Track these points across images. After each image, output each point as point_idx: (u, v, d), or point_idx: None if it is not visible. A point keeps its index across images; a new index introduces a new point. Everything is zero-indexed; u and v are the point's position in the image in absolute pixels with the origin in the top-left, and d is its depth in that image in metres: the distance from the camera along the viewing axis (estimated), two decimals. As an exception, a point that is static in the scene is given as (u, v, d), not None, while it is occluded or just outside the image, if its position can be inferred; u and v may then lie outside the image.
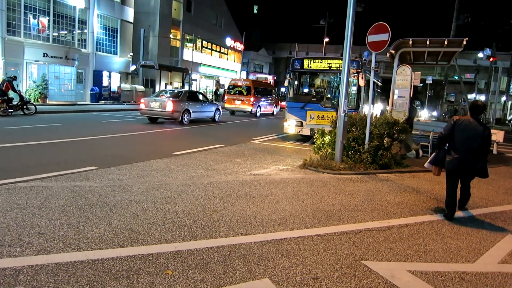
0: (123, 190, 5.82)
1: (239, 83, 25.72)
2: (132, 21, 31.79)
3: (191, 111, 16.78)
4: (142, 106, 16.27)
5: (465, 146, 5.41)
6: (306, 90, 14.81)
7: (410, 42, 10.57)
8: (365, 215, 5.45)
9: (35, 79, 23.20)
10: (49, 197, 5.24)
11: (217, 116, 19.15)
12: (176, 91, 17.92)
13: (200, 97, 18.87)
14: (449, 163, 5.59)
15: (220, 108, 20.02)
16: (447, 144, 5.74)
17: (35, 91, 22.26)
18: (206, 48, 43.85)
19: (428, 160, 5.99)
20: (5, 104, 15.52)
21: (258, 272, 3.48)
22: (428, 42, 10.55)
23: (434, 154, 5.96)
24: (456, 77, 38.47)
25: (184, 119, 16.34)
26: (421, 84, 24.40)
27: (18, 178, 6.05)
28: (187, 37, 39.55)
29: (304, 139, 13.87)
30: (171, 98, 16.05)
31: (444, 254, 4.21)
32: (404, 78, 10.81)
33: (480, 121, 5.51)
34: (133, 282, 3.16)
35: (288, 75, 13.13)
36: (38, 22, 23.96)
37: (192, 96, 17.82)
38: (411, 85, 10.86)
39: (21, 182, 5.87)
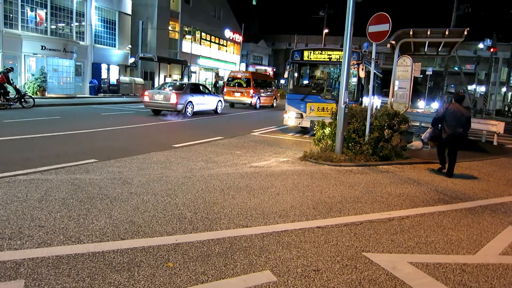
0: (123, 182, 5.80)
1: (239, 75, 25.60)
2: (130, 13, 31.53)
3: (194, 103, 16.98)
4: (146, 98, 16.40)
5: (455, 124, 7.74)
6: (306, 82, 14.74)
7: (411, 33, 10.51)
8: (365, 206, 5.44)
9: (33, 72, 23.07)
10: (49, 190, 5.22)
11: (219, 108, 19.42)
12: (179, 83, 18.05)
13: (203, 89, 19.10)
14: (445, 137, 7.91)
15: (222, 100, 20.32)
16: (439, 125, 8.07)
17: (34, 84, 22.15)
18: (205, 40, 43.60)
19: (423, 136, 8.20)
20: (1, 96, 15.43)
21: (259, 264, 3.48)
22: (429, 33, 10.50)
23: (429, 131, 8.44)
24: (457, 68, 38.37)
25: (187, 111, 16.53)
26: (421, 75, 24.29)
27: (18, 171, 6.04)
28: (186, 29, 39.30)
29: (304, 131, 13.85)
30: (174, 91, 16.24)
31: (445, 246, 4.21)
32: (404, 69, 10.76)
33: (463, 107, 7.92)
34: (134, 275, 3.16)
35: (288, 67, 13.05)
36: (35, 15, 23.76)
37: (195, 89, 18.04)
38: (411, 76, 10.81)
39: (21, 175, 5.86)
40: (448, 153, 7.95)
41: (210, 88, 26.58)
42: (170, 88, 16.94)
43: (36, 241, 3.66)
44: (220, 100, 19.65)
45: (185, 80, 32.49)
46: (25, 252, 3.43)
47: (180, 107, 16.10)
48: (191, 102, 16.72)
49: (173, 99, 15.78)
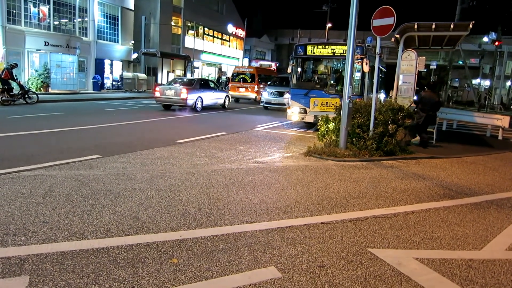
0: (127, 178, 5.80)
1: (243, 71, 25.61)
2: (133, 8, 31.45)
3: (203, 98, 17.46)
4: (158, 94, 16.88)
5: (428, 108, 10.15)
6: (309, 77, 14.67)
7: (416, 27, 10.41)
8: (370, 202, 5.41)
9: (37, 68, 23.08)
10: (53, 185, 5.22)
11: (226, 102, 20.02)
12: (189, 79, 18.60)
13: (212, 85, 19.64)
14: (422, 119, 10.19)
15: (229, 95, 21.12)
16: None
17: (37, 80, 22.17)
18: (208, 35, 43.48)
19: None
20: (5, 93, 15.46)
21: (264, 260, 3.46)
22: (433, 26, 10.40)
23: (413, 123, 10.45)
24: (461, 62, 38.05)
25: (197, 106, 17.09)
26: (425, 70, 24.11)
27: (22, 167, 6.04)
28: (189, 24, 39.19)
29: (308, 126, 13.80)
30: (185, 86, 16.71)
31: (450, 241, 4.18)
32: (409, 63, 10.67)
33: (434, 93, 10.79)
34: (139, 271, 3.15)
35: (291, 62, 12.99)
36: (38, 11, 23.76)
37: (205, 84, 18.58)
38: (416, 70, 10.73)
39: (25, 171, 5.86)
40: (423, 131, 10.33)
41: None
42: (180, 83, 17.27)
43: (41, 237, 3.66)
44: (227, 96, 20.25)
45: (188, 76, 32.49)
46: (30, 248, 3.43)
47: (190, 102, 16.57)
48: (200, 97, 17.21)
49: (184, 94, 16.26)
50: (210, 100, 18.22)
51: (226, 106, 19.77)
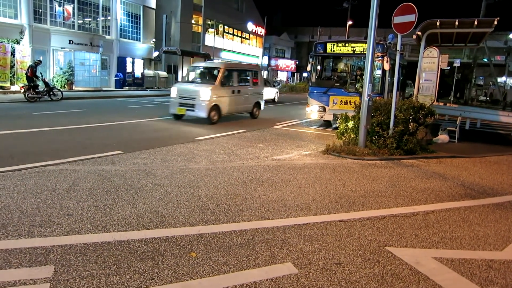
0: (147, 174, 5.92)
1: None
2: (154, 7, 31.87)
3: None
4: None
5: None
6: (329, 75, 14.58)
7: (438, 23, 10.23)
8: (389, 201, 5.37)
9: (61, 66, 23.70)
10: (77, 180, 5.38)
11: (276, 97, 24.55)
12: None
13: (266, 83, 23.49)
14: None
15: (278, 91, 25.88)
16: None
17: (62, 77, 22.76)
18: (228, 33, 43.64)
19: None
20: (31, 90, 15.91)
21: (281, 256, 3.50)
22: (456, 23, 10.20)
23: None
24: (486, 60, 37.05)
25: None
26: (448, 67, 23.60)
27: (47, 161, 6.24)
28: (209, 23, 39.42)
29: (327, 124, 13.73)
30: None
31: (471, 242, 4.12)
32: (431, 61, 10.50)
33: None
34: (158, 263, 3.23)
35: (310, 60, 12.94)
36: (63, 10, 24.34)
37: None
38: (438, 68, 10.54)
39: (50, 165, 6.05)
40: None
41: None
42: None
43: (65, 229, 3.79)
44: (277, 91, 24.74)
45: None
46: (55, 239, 3.56)
47: None
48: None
49: None
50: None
51: (275, 100, 24.20)
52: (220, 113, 12.25)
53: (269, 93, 23.13)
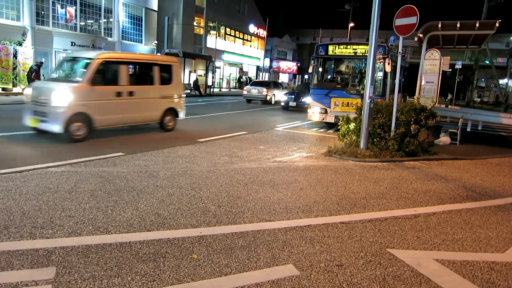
0: (149, 175, 5.93)
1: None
2: (156, 9, 31.98)
3: (276, 95, 24.55)
4: (245, 92, 24.82)
5: None
6: (330, 77, 14.59)
7: (439, 26, 10.23)
8: (390, 203, 5.37)
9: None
10: (79, 181, 5.39)
11: None
12: (265, 81, 28.66)
13: (280, 86, 26.92)
14: None
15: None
16: None
17: (64, 79, 22.80)
18: (230, 35, 43.70)
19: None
20: None
21: (282, 258, 3.50)
22: (458, 25, 10.19)
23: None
24: (488, 62, 37.00)
25: (271, 100, 24.27)
26: (450, 69, 23.56)
27: (49, 163, 6.25)
28: (211, 25, 39.49)
29: (328, 126, 13.73)
30: (265, 87, 24.35)
31: (472, 244, 4.11)
32: (432, 63, 10.50)
33: None
34: (160, 265, 3.23)
35: (312, 62, 12.96)
36: (65, 12, 24.43)
37: (275, 85, 26.31)
38: (440, 70, 10.54)
39: (52, 167, 6.07)
40: None
41: (231, 83, 31.14)
42: (260, 85, 25.27)
43: (67, 230, 3.80)
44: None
45: (210, 75, 32.79)
46: (56, 240, 3.57)
47: (268, 97, 23.91)
48: (274, 94, 24.45)
49: (265, 92, 23.85)
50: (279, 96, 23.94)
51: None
52: (90, 125, 8.42)
53: (280, 96, 23.71)
